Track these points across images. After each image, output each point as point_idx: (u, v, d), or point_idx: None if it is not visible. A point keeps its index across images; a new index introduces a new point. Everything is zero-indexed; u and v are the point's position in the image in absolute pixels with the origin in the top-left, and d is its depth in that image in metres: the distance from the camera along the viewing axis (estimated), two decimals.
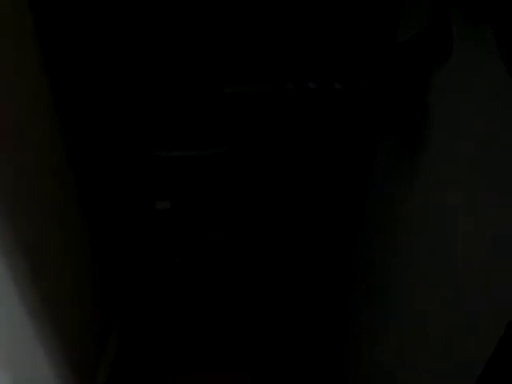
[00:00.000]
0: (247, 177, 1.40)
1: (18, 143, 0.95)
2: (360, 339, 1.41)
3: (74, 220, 1.28)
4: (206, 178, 1.38)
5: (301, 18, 1.16)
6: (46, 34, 1.08)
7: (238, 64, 1.22)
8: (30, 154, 1.01)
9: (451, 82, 0.80)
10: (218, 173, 1.38)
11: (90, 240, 1.41)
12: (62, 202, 1.21)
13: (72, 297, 1.24)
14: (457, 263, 0.78)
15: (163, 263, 1.54)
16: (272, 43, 1.19)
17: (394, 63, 0.93)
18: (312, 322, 1.79)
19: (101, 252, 1.48)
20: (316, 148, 1.36)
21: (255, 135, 1.33)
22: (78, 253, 1.31)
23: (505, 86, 0.62)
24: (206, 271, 1.61)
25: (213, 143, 1.33)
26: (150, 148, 1.29)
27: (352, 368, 1.48)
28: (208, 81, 1.24)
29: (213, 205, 1.45)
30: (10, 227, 0.85)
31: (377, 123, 1.03)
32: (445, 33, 0.78)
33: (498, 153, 0.66)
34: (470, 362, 0.73)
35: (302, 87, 1.24)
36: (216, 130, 1.32)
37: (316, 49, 1.20)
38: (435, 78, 0.86)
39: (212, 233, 1.50)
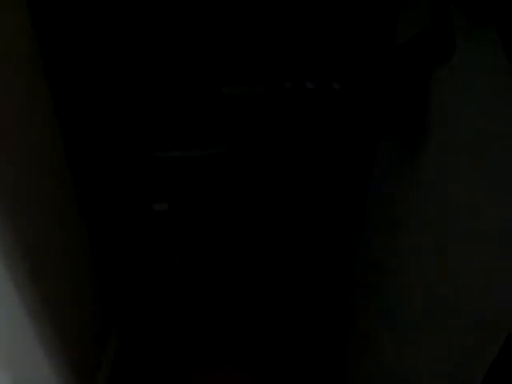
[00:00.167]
0: (245, 177, 1.40)
1: (17, 143, 0.94)
2: (360, 339, 1.41)
3: (73, 221, 1.28)
4: (203, 179, 1.38)
5: (299, 17, 1.16)
6: (44, 34, 1.08)
7: (236, 64, 1.21)
8: (30, 155, 1.01)
9: (453, 82, 0.80)
10: (215, 173, 1.38)
11: (89, 241, 1.41)
12: (62, 202, 1.21)
13: (71, 297, 1.24)
14: (457, 263, 0.78)
15: (162, 264, 1.54)
16: (270, 43, 1.19)
17: (394, 63, 0.93)
18: (311, 322, 1.79)
19: (100, 253, 1.47)
20: (314, 148, 1.36)
21: (253, 135, 1.33)
22: (77, 253, 1.31)
23: (509, 87, 0.62)
24: (204, 272, 1.61)
25: (210, 143, 1.33)
26: (148, 148, 1.29)
27: (352, 368, 1.49)
28: (206, 81, 1.23)
29: (211, 206, 1.45)
30: (9, 227, 0.85)
31: (375, 123, 1.03)
32: (447, 33, 0.78)
33: (498, 153, 0.66)
34: (469, 362, 0.74)
35: (300, 87, 1.24)
36: (214, 131, 1.32)
37: (314, 49, 1.20)
38: (436, 78, 0.86)
39: (210, 234, 1.50)
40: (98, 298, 1.50)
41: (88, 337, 1.36)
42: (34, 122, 1.04)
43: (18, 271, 0.88)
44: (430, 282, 0.88)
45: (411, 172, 1.00)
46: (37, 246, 1.00)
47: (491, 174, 0.69)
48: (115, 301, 1.63)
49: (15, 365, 0.87)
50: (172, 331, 1.74)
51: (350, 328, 1.53)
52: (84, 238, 1.37)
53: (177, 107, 1.26)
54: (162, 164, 1.32)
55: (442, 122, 0.85)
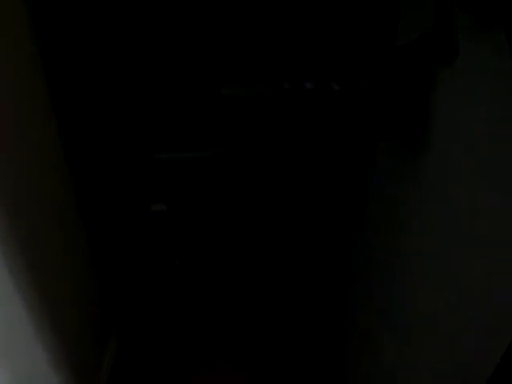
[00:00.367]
0: (244, 178, 1.40)
1: (17, 143, 0.94)
2: (360, 338, 1.42)
3: (72, 221, 1.28)
4: (202, 180, 1.38)
5: (298, 18, 1.15)
6: (44, 34, 1.07)
7: (236, 65, 1.21)
8: (30, 154, 1.00)
9: (456, 84, 0.80)
10: (214, 174, 1.38)
11: (87, 242, 1.41)
12: (61, 202, 1.20)
13: (70, 297, 1.23)
14: (459, 266, 0.78)
15: (162, 265, 1.54)
16: (269, 44, 1.18)
17: (394, 64, 0.93)
18: (312, 324, 1.79)
19: (99, 254, 1.47)
20: (313, 149, 1.35)
21: (252, 136, 1.32)
22: (76, 254, 1.31)
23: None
24: (204, 273, 1.61)
25: (209, 145, 1.32)
26: (147, 150, 1.29)
27: (352, 367, 1.49)
28: (205, 82, 1.23)
29: (210, 206, 1.45)
30: (9, 226, 0.85)
31: (374, 124, 1.03)
32: (450, 35, 0.77)
33: (499, 156, 0.66)
34: (470, 363, 0.74)
35: (299, 88, 1.24)
36: (212, 132, 1.31)
37: (314, 50, 1.20)
38: (439, 80, 0.86)
39: (211, 234, 1.50)
40: (97, 299, 1.50)
41: (88, 337, 1.36)
42: (33, 122, 1.04)
43: (18, 270, 0.88)
44: (433, 284, 0.89)
45: (413, 173, 1.00)
46: (36, 246, 1.00)
47: (492, 176, 0.69)
48: (114, 302, 1.62)
49: (14, 363, 0.87)
50: (172, 333, 1.74)
51: (350, 327, 1.54)
52: (83, 239, 1.37)
53: (176, 108, 1.25)
54: (160, 165, 1.32)
55: (444, 124, 0.85)
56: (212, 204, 1.44)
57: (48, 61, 1.11)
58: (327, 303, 1.72)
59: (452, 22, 0.77)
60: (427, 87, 0.89)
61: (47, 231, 1.07)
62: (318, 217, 1.49)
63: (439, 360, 0.85)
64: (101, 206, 1.37)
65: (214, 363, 1.64)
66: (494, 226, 0.68)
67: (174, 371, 1.60)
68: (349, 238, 1.50)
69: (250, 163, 1.37)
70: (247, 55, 1.19)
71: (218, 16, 1.13)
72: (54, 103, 1.16)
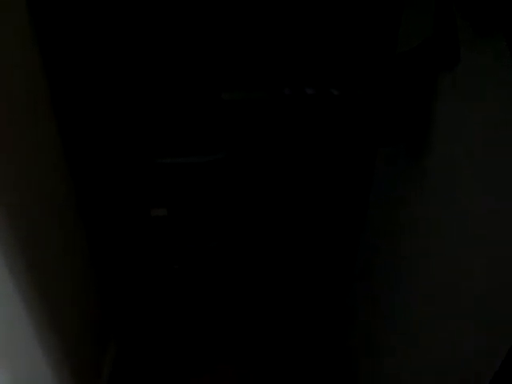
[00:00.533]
0: (245, 183, 1.40)
1: (17, 144, 0.93)
2: (360, 339, 1.42)
3: (72, 226, 1.27)
4: (202, 185, 1.38)
5: (299, 24, 1.17)
6: (45, 36, 1.07)
7: (236, 70, 1.22)
8: (30, 156, 1.00)
9: (456, 91, 0.82)
10: (214, 179, 1.38)
11: (88, 247, 1.40)
12: (61, 205, 1.20)
13: (71, 298, 1.22)
14: (460, 267, 0.79)
15: (161, 270, 1.53)
16: (270, 49, 1.19)
17: (394, 71, 0.94)
18: (312, 326, 1.79)
19: (99, 257, 1.46)
20: (314, 154, 1.36)
21: (252, 141, 1.33)
22: (76, 255, 1.30)
23: None
24: (204, 278, 1.61)
25: (209, 150, 1.33)
26: (147, 154, 1.29)
27: (353, 368, 1.49)
28: (205, 87, 1.23)
29: (210, 211, 1.44)
30: (9, 227, 0.84)
31: (374, 130, 1.04)
32: (451, 41, 0.79)
33: (499, 160, 0.68)
34: (472, 366, 0.75)
35: (299, 93, 1.25)
36: (213, 137, 1.31)
37: (314, 55, 1.21)
38: (440, 86, 0.87)
39: (210, 239, 1.50)
40: (97, 301, 1.48)
41: (87, 339, 1.35)
42: (34, 123, 1.03)
43: (18, 270, 0.87)
44: (435, 286, 0.90)
45: (414, 177, 1.01)
46: (36, 246, 0.99)
47: (492, 180, 0.70)
48: (114, 305, 1.61)
49: (14, 363, 0.86)
50: (171, 336, 1.73)
51: (351, 329, 1.54)
52: (83, 241, 1.36)
53: (176, 113, 1.25)
54: (161, 169, 1.32)
55: (445, 129, 0.87)
56: (212, 209, 1.44)
57: (49, 64, 1.11)
58: (328, 305, 1.72)
59: (453, 28, 0.78)
60: (428, 93, 0.91)
61: (47, 232, 1.06)
62: (319, 221, 1.50)
63: (442, 362, 0.86)
64: (101, 209, 1.36)
65: (212, 366, 1.63)
66: (495, 227, 0.69)
67: (173, 374, 1.59)
68: (349, 240, 1.51)
69: (251, 168, 1.37)
70: (248, 61, 1.21)
71: (219, 22, 1.14)
72: (56, 107, 1.16)
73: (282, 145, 1.34)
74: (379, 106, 1.01)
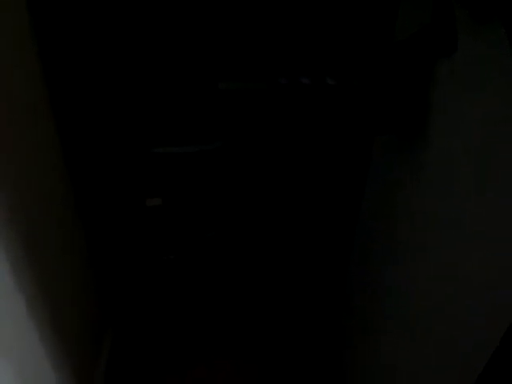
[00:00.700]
0: (240, 172, 1.41)
1: (17, 142, 0.93)
2: (358, 329, 1.43)
3: (70, 217, 1.27)
4: (198, 174, 1.38)
5: (295, 13, 1.16)
6: (42, 28, 1.06)
7: (232, 60, 1.21)
8: (30, 149, 1.00)
9: (454, 79, 0.81)
10: (210, 169, 1.38)
11: (85, 238, 1.40)
12: (60, 201, 1.20)
13: (69, 289, 1.23)
14: (456, 257, 0.80)
15: (157, 260, 1.54)
16: (266, 39, 1.19)
17: (392, 59, 0.93)
18: (308, 315, 1.81)
19: (96, 249, 1.46)
20: (310, 143, 1.36)
21: (248, 131, 1.33)
22: (73, 248, 1.30)
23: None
24: (200, 268, 1.61)
25: (205, 139, 1.32)
26: (143, 144, 1.28)
27: (350, 359, 1.51)
28: (202, 77, 1.23)
29: (206, 201, 1.45)
30: (10, 222, 0.85)
31: (370, 118, 1.04)
32: (449, 29, 0.78)
33: (498, 151, 0.67)
34: (468, 354, 0.76)
35: (295, 83, 1.24)
36: (208, 126, 1.31)
37: (310, 45, 1.21)
38: (437, 74, 0.87)
39: (206, 229, 1.50)
40: (93, 293, 1.49)
41: (84, 329, 1.36)
42: (32, 119, 1.03)
43: (18, 262, 0.88)
44: (432, 278, 0.90)
45: (411, 165, 1.01)
46: (36, 240, 0.99)
47: (490, 172, 0.70)
48: (111, 297, 1.62)
49: (16, 355, 0.87)
50: (167, 328, 1.74)
51: (348, 317, 1.56)
52: (80, 235, 1.37)
53: (172, 102, 1.25)
54: (156, 159, 1.31)
55: (443, 119, 0.86)
56: (208, 199, 1.44)
57: (46, 56, 1.10)
58: (324, 291, 1.74)
59: (451, 16, 0.78)
60: (425, 82, 0.90)
61: (46, 227, 1.07)
62: (315, 210, 1.51)
63: (439, 349, 0.86)
64: (97, 200, 1.36)
65: (209, 358, 1.64)
66: (493, 221, 0.69)
67: (169, 366, 1.60)
68: (345, 227, 1.52)
69: (247, 158, 1.37)
70: (244, 50, 1.20)
71: (215, 11, 1.13)
72: (52, 97, 1.15)
73: (278, 134, 1.34)
74: (375, 95, 1.00)
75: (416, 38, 0.88)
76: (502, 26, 0.63)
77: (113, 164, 1.30)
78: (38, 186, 1.04)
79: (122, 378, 1.55)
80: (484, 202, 0.71)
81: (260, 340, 1.73)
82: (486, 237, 0.71)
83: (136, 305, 1.68)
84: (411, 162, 1.01)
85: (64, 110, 1.19)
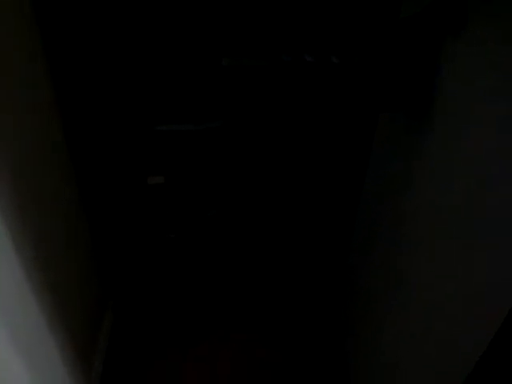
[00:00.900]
0: (242, 151, 1.40)
1: (20, 126, 0.94)
2: (360, 322, 1.42)
3: (71, 196, 1.28)
4: (200, 153, 1.37)
5: None
6: (42, 10, 1.06)
7: (236, 37, 1.19)
8: (32, 133, 1.01)
9: (462, 57, 0.78)
10: (212, 147, 1.37)
11: (86, 216, 1.42)
12: (61, 178, 1.20)
13: (69, 266, 1.24)
14: (459, 238, 0.78)
15: (158, 239, 1.54)
16: (270, 16, 1.17)
17: (396, 37, 0.91)
18: (311, 294, 1.82)
19: (96, 226, 1.47)
20: (313, 121, 1.35)
21: (251, 109, 1.32)
22: (75, 228, 1.31)
23: None
24: (200, 247, 1.62)
25: (208, 117, 1.31)
26: (146, 122, 1.27)
27: (352, 352, 1.50)
28: (205, 53, 1.21)
29: (207, 179, 1.45)
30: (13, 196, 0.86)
31: (373, 95, 1.02)
32: (458, 5, 0.75)
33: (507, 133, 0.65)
34: (470, 341, 0.74)
35: (298, 61, 1.23)
36: (211, 104, 1.30)
37: (314, 22, 1.19)
38: (445, 52, 0.84)
39: (207, 208, 1.50)
40: (94, 271, 1.51)
41: (85, 306, 1.37)
42: (34, 105, 1.04)
43: (20, 241, 0.90)
44: (435, 250, 0.88)
45: (415, 145, 0.99)
46: (39, 224, 1.01)
47: (498, 155, 0.68)
48: (112, 275, 1.63)
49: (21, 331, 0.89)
50: (168, 306, 1.76)
51: (351, 296, 1.55)
52: (82, 214, 1.38)
53: (175, 79, 1.24)
54: (158, 137, 1.31)
55: (449, 100, 0.84)
56: (210, 177, 1.44)
57: (47, 32, 1.09)
58: (327, 271, 1.74)
59: None
60: (432, 60, 0.88)
61: (47, 206, 1.07)
62: (317, 188, 1.50)
63: (442, 334, 0.85)
64: (98, 177, 1.36)
65: (210, 336, 1.66)
66: (497, 212, 0.67)
67: (170, 344, 1.62)
68: (348, 207, 1.51)
69: (249, 136, 1.36)
70: (248, 27, 1.18)
71: None
72: (53, 76, 1.15)
73: (281, 112, 1.33)
74: (379, 72, 0.98)
75: (423, 14, 0.86)
76: None
77: (115, 141, 1.30)
78: (39, 164, 1.05)
79: (123, 356, 1.58)
80: (491, 194, 0.69)
81: (262, 319, 1.75)
82: (491, 230, 0.69)
83: (136, 283, 1.69)
84: (415, 140, 0.99)
85: (65, 89, 1.19)
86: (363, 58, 1.17)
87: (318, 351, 1.63)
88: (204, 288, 1.78)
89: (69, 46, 1.13)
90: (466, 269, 0.77)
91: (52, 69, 1.15)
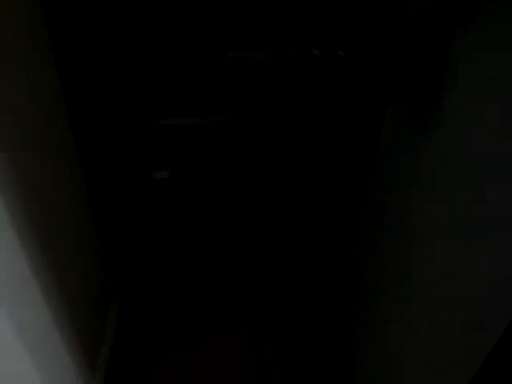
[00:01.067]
0: (248, 145, 1.39)
1: (27, 116, 0.94)
2: (365, 319, 1.42)
3: (78, 192, 1.29)
4: (205, 147, 1.37)
5: None
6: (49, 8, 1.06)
7: (242, 30, 1.18)
8: (39, 130, 1.01)
9: (471, 50, 0.77)
10: (218, 141, 1.36)
11: (92, 211, 1.42)
12: (67, 173, 1.20)
13: (76, 261, 1.24)
14: (466, 234, 0.77)
15: (163, 233, 1.54)
16: (276, 10, 1.16)
17: (405, 29, 0.90)
18: (319, 287, 1.82)
19: (102, 221, 1.48)
20: (319, 115, 1.34)
21: (257, 103, 1.31)
22: (81, 222, 1.31)
23: None
24: (205, 241, 1.62)
25: (213, 111, 1.31)
26: (151, 116, 1.27)
27: (358, 348, 1.50)
28: (211, 47, 1.20)
29: (212, 174, 1.44)
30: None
31: (382, 87, 1.01)
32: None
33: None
34: (477, 350, 0.74)
35: (304, 54, 1.22)
36: (217, 98, 1.29)
37: (321, 15, 1.17)
38: (455, 46, 0.83)
39: (212, 202, 1.50)
40: (100, 264, 1.51)
41: (90, 300, 1.38)
42: (41, 103, 1.04)
43: (26, 234, 0.90)
44: (442, 240, 0.88)
45: (423, 139, 0.98)
46: (46, 221, 1.01)
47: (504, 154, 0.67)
48: (117, 269, 1.64)
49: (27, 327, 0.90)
50: (174, 300, 1.77)
51: (356, 303, 1.54)
52: (88, 209, 1.38)
53: (181, 73, 1.23)
54: (163, 131, 1.30)
55: (457, 93, 0.82)
56: (214, 172, 1.44)
57: (54, 27, 1.09)
58: (333, 264, 1.74)
59: None
60: (440, 53, 0.86)
61: (55, 203, 1.08)
62: (324, 181, 1.49)
63: (449, 323, 0.85)
64: (104, 172, 1.36)
65: (215, 329, 1.67)
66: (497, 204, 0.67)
67: (175, 338, 1.63)
68: (355, 195, 1.51)
69: (254, 130, 1.36)
70: (254, 21, 1.17)
71: None
72: (60, 73, 1.15)
73: (287, 107, 1.32)
74: (386, 66, 0.97)
75: (432, 6, 0.84)
76: None
77: (121, 136, 1.30)
78: (46, 160, 1.05)
79: (129, 349, 1.58)
80: (500, 190, 0.68)
81: (267, 314, 1.75)
82: (499, 230, 0.68)
83: (142, 277, 1.70)
84: (422, 134, 0.98)
85: (71, 84, 1.18)
86: (370, 52, 1.16)
87: (324, 346, 1.63)
88: (209, 282, 1.79)
89: (74, 42, 1.13)
90: (466, 266, 0.76)
91: (58, 65, 1.15)
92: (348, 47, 1.19)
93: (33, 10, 1.02)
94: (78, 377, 1.19)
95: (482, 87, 0.74)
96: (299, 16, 1.17)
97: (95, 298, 1.43)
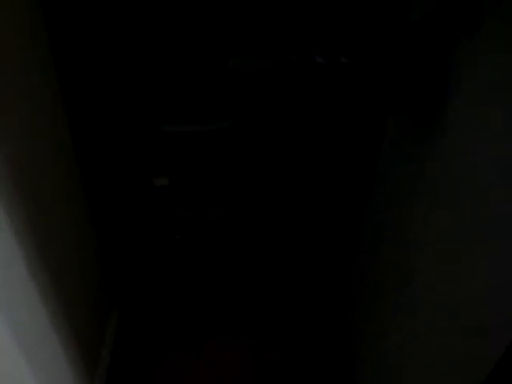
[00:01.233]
0: (249, 152, 1.39)
1: (27, 119, 0.94)
2: (365, 322, 1.41)
3: (77, 198, 1.28)
4: (206, 154, 1.37)
5: None
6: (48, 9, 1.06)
7: (244, 37, 1.19)
8: (38, 131, 1.01)
9: (476, 59, 0.76)
10: (219, 148, 1.36)
11: (92, 217, 1.41)
12: (66, 180, 1.20)
13: (76, 266, 1.24)
14: (468, 242, 0.76)
15: (163, 240, 1.54)
16: (278, 17, 1.16)
17: (408, 38, 0.89)
18: (319, 294, 1.80)
19: (102, 227, 1.47)
20: (321, 123, 1.34)
21: (258, 110, 1.31)
22: (81, 229, 1.31)
23: None
24: (205, 248, 1.62)
25: (215, 118, 1.31)
26: (153, 122, 1.27)
27: (358, 353, 1.49)
28: (212, 54, 1.21)
29: (212, 181, 1.44)
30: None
31: (382, 99, 1.00)
32: (473, 6, 0.73)
33: None
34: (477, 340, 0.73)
35: (306, 61, 1.21)
36: (219, 105, 1.29)
37: (323, 22, 1.18)
38: (459, 55, 0.82)
39: (211, 209, 1.50)
40: (99, 271, 1.50)
41: (90, 306, 1.38)
42: (41, 105, 1.04)
43: (24, 235, 0.89)
44: (443, 247, 0.87)
45: (426, 149, 0.97)
46: (45, 223, 1.01)
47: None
48: (117, 274, 1.63)
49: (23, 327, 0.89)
50: (173, 305, 1.75)
51: (355, 307, 1.53)
52: (88, 214, 1.38)
53: (182, 80, 1.23)
54: (164, 138, 1.30)
55: (461, 103, 0.82)
56: (215, 179, 1.43)
57: (54, 31, 1.09)
58: (333, 273, 1.73)
59: None
60: (444, 61, 0.86)
61: (53, 208, 1.08)
62: (324, 190, 1.49)
63: (445, 334, 0.84)
64: (104, 178, 1.36)
65: (215, 335, 1.65)
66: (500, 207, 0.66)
67: (175, 345, 1.61)
68: (356, 204, 1.50)
69: (256, 138, 1.36)
70: (256, 28, 1.18)
71: None
72: (60, 77, 1.15)
73: (289, 114, 1.32)
74: (389, 75, 0.96)
75: (437, 14, 0.84)
76: None
77: (121, 141, 1.30)
78: (45, 164, 1.05)
79: (129, 354, 1.57)
80: (504, 194, 0.67)
81: (267, 316, 1.74)
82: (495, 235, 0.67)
83: (142, 283, 1.69)
84: (424, 145, 0.97)
85: (71, 88, 1.18)
86: (373, 60, 1.15)
87: (325, 353, 1.61)
88: (210, 289, 1.78)
89: (74, 45, 1.13)
90: (468, 272, 0.75)
91: (58, 68, 1.15)
92: (351, 54, 1.19)
93: (33, 11, 1.02)
94: (75, 379, 1.18)
95: (486, 91, 0.74)
96: (301, 23, 1.17)
97: (95, 302, 1.42)
